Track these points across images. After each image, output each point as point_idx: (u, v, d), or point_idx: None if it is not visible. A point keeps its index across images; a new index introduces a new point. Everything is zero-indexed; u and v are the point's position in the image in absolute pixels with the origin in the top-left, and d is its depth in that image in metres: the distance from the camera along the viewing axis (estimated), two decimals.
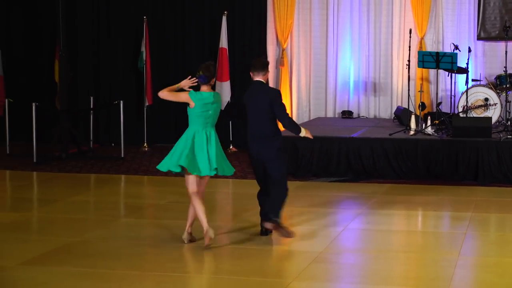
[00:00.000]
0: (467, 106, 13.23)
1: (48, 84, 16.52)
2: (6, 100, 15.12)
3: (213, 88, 15.69)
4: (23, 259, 7.93)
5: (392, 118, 14.94)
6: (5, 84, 16.32)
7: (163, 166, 8.43)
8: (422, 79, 14.92)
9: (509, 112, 13.18)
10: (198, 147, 8.31)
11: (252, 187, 9.58)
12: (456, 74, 13.90)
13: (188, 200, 8.48)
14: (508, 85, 13.43)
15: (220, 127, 15.62)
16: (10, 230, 9.30)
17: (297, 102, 15.90)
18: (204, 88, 8.50)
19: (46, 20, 16.55)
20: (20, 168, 13.50)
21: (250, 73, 8.73)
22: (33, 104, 14.18)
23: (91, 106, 15.43)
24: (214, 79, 8.64)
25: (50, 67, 16.43)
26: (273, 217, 8.51)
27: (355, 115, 15.59)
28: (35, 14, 16.81)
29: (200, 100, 8.36)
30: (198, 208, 8.33)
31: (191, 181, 8.39)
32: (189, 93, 8.41)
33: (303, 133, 8.70)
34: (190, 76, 8.54)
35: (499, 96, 13.44)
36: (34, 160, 13.85)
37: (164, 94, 8.38)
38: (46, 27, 16.59)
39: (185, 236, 8.52)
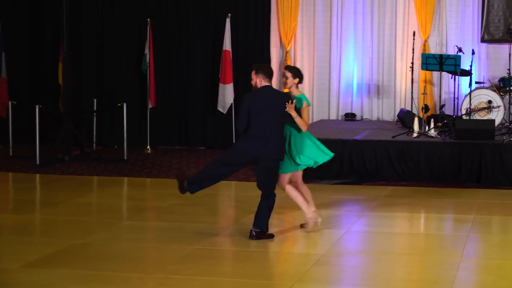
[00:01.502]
0: (470, 108, 13.22)
1: (52, 86, 16.53)
2: (10, 102, 15.14)
3: (217, 90, 15.83)
4: (26, 261, 7.93)
5: (395, 120, 14.93)
6: (9, 86, 16.34)
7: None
8: (425, 81, 14.90)
9: None
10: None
11: (254, 189, 9.60)
12: (460, 77, 13.88)
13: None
14: (511, 88, 13.42)
15: (223, 129, 15.81)
16: (13, 232, 9.31)
17: None
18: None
19: (50, 22, 16.56)
20: (23, 170, 13.51)
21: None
22: (37, 106, 14.20)
23: (95, 108, 15.45)
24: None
25: (53, 69, 16.45)
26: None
27: (358, 117, 15.58)
28: (39, 16, 16.82)
29: None
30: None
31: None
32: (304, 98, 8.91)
33: None
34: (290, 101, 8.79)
35: (502, 99, 13.42)
36: (37, 162, 13.86)
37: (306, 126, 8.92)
38: (50, 29, 16.60)
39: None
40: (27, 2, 16.89)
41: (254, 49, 15.98)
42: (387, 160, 12.43)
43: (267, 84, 8.75)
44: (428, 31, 15.10)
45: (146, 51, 15.65)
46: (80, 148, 14.86)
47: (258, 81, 8.74)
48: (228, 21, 15.41)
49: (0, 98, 16.18)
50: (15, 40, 16.82)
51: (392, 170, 12.40)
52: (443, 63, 13.12)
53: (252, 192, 10.24)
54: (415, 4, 15.14)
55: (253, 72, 8.81)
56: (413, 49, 13.91)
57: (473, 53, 13.87)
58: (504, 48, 14.45)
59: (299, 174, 9.13)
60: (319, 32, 15.80)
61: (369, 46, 15.60)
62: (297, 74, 9.08)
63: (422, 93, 13.74)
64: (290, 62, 15.76)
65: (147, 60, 15.61)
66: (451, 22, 15.16)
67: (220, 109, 15.45)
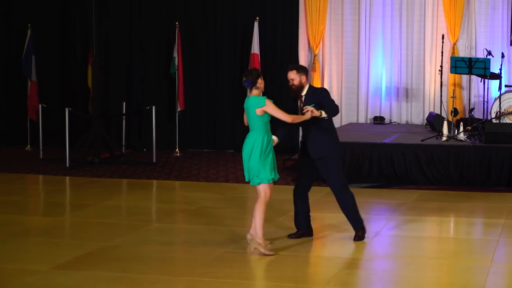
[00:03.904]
0: (500, 112, 13.14)
1: (81, 89, 16.65)
2: (40, 105, 15.27)
3: (245, 93, 15.82)
4: (55, 263, 7.99)
5: (424, 124, 14.88)
6: (39, 89, 16.47)
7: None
8: (454, 85, 14.83)
9: None
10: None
11: (285, 192, 9.63)
12: (489, 80, 13.81)
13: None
14: None
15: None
16: (42, 234, 9.38)
17: None
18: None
19: (79, 25, 16.66)
20: (53, 173, 13.60)
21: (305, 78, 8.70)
22: (66, 109, 14.30)
23: (124, 112, 15.52)
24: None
25: (83, 73, 16.56)
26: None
27: (387, 120, 15.54)
28: (69, 20, 16.94)
29: None
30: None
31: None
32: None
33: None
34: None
35: None
36: (67, 165, 13.95)
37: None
38: (79, 32, 16.71)
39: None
40: (57, 6, 17.01)
41: (283, 52, 16.00)
42: (416, 164, 12.38)
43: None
44: (457, 34, 15.04)
45: (175, 54, 15.71)
46: (109, 151, 14.94)
47: (303, 80, 8.68)
48: (256, 24, 15.43)
49: (30, 101, 16.33)
50: (45, 44, 16.95)
51: (421, 174, 12.35)
52: (472, 66, 13.05)
53: (282, 195, 10.25)
54: (444, 7, 15.08)
55: (295, 72, 8.64)
56: (442, 52, 13.85)
57: (502, 56, 13.79)
58: None
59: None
60: (347, 36, 15.78)
61: (398, 49, 15.56)
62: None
63: (451, 97, 13.68)
64: (319, 65, 15.76)
65: (176, 63, 15.67)
66: (480, 25, 15.08)
67: None
